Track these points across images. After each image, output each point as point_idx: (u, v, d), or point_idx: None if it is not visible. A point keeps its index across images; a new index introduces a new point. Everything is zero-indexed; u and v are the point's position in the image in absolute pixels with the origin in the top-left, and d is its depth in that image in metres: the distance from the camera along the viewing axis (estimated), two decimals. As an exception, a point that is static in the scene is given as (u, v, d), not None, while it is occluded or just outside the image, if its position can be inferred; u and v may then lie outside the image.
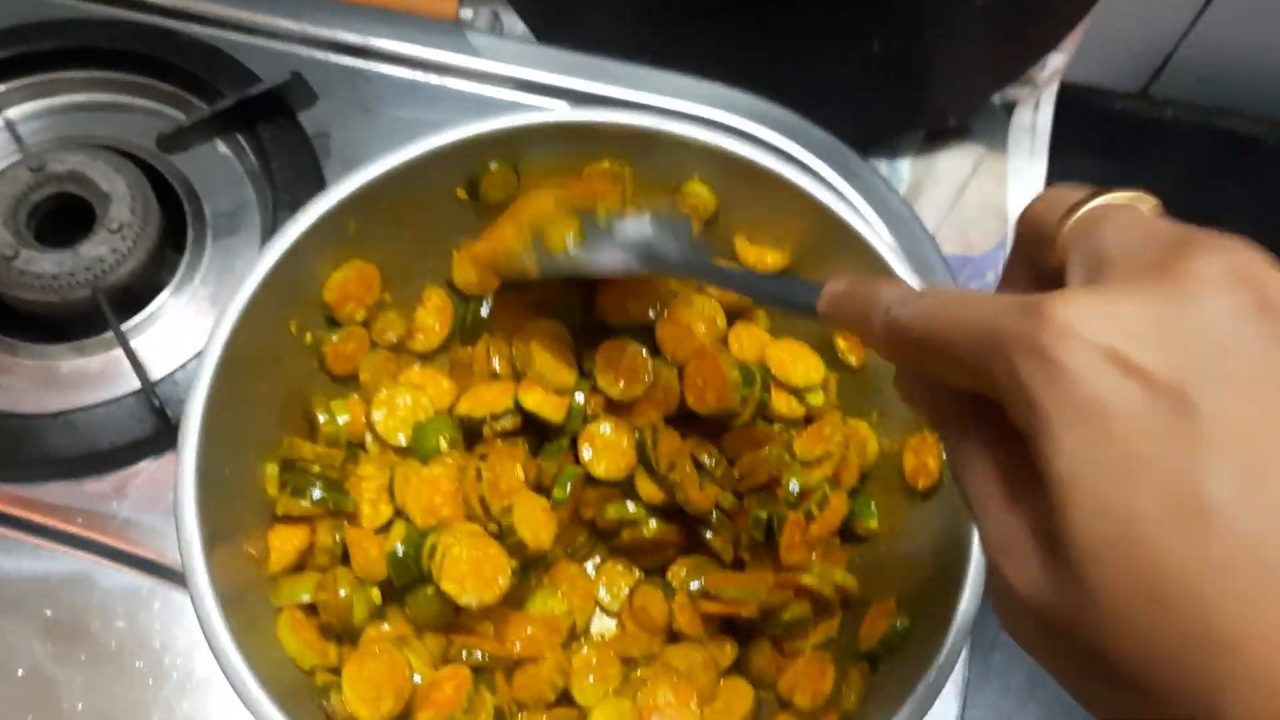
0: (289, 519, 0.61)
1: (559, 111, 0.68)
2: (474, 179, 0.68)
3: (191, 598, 0.53)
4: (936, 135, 0.98)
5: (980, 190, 0.96)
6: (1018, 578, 0.30)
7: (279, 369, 0.63)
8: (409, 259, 0.70)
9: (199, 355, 0.58)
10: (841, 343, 0.70)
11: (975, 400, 0.33)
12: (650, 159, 0.69)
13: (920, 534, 0.64)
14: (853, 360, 0.70)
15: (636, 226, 0.64)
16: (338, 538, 0.61)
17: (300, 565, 0.62)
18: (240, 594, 0.56)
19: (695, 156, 0.69)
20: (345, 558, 0.62)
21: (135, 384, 0.74)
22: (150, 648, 0.68)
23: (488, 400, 0.68)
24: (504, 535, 0.61)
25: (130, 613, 0.69)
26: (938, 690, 0.55)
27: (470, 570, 0.59)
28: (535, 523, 0.63)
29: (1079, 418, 0.27)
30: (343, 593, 0.58)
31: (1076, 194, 0.34)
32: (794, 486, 0.66)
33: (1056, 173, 0.96)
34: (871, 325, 0.36)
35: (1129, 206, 0.33)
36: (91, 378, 0.77)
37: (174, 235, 0.82)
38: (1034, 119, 0.98)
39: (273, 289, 0.61)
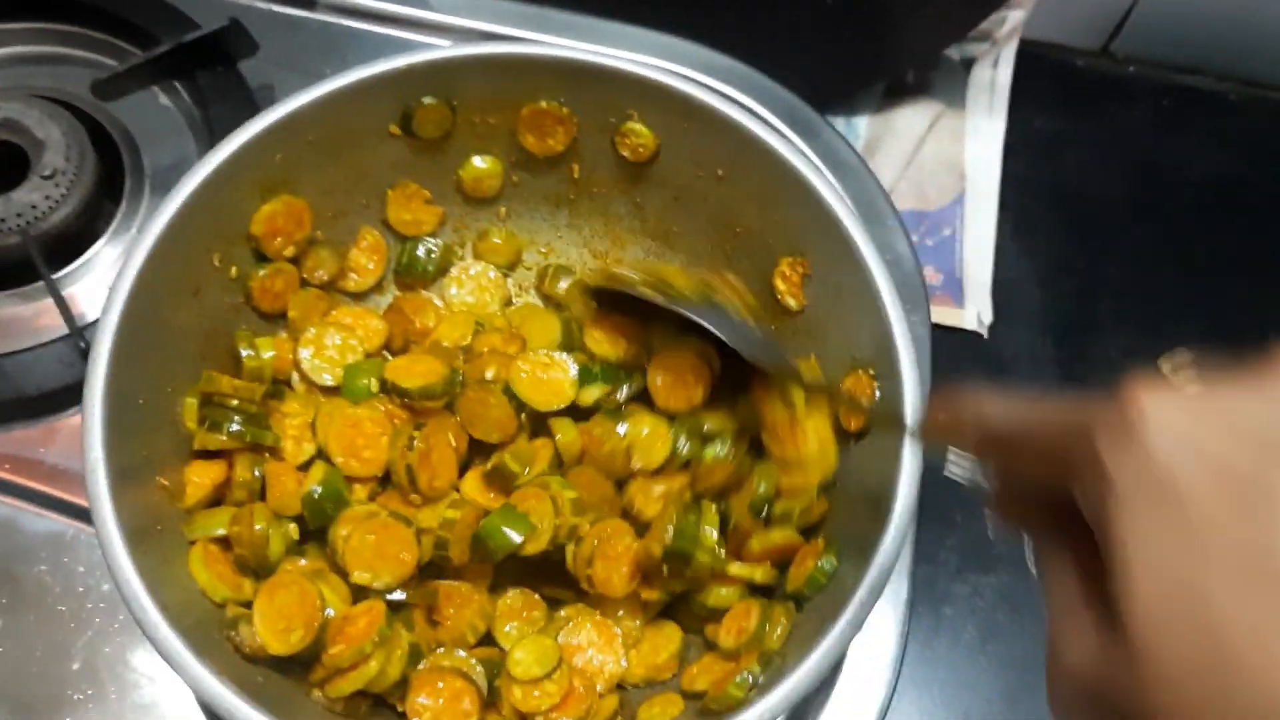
0: (206, 454, 0.60)
1: (491, 44, 0.66)
2: (408, 114, 0.66)
3: (95, 526, 0.51)
4: (895, 92, 0.97)
5: (938, 146, 0.95)
6: (1072, 650, 0.32)
7: (199, 302, 0.61)
8: (342, 196, 0.68)
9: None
10: (780, 284, 0.69)
11: (1059, 506, 0.34)
12: (588, 96, 0.68)
13: (851, 476, 0.62)
14: (792, 304, 0.69)
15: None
16: (256, 473, 0.60)
17: (217, 500, 0.60)
18: (151, 527, 0.55)
19: (632, 93, 0.67)
20: (264, 494, 0.60)
21: (64, 330, 0.72)
22: (73, 592, 0.67)
23: (419, 372, 0.65)
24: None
25: (54, 557, 0.68)
26: (856, 627, 0.53)
27: (375, 554, 0.58)
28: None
29: (1152, 491, 0.29)
30: (258, 527, 0.57)
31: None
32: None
33: (1016, 129, 0.95)
34: (965, 430, 0.39)
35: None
36: (22, 324, 0.75)
37: (112, 185, 0.80)
38: (993, 76, 0.97)
39: (192, 218, 0.59)
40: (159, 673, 0.64)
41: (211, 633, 0.54)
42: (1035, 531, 0.38)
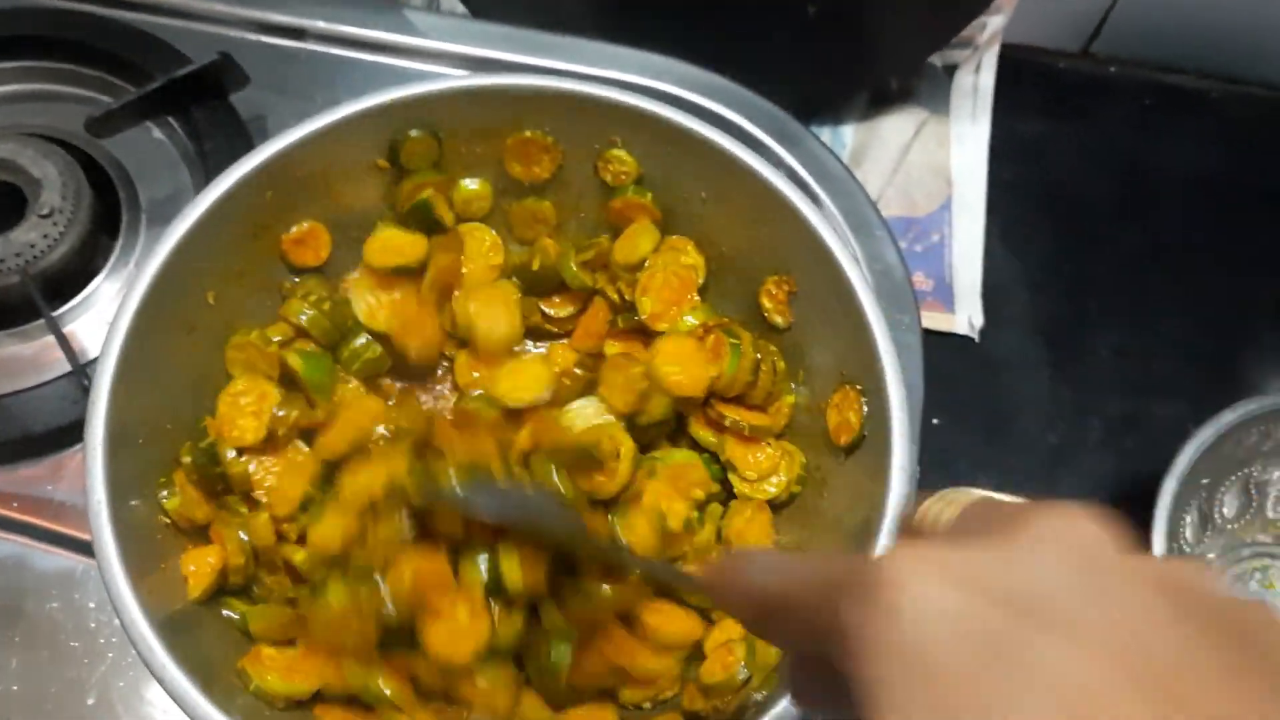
0: (193, 535, 0.61)
1: (475, 76, 0.67)
2: (394, 147, 0.68)
3: (99, 565, 0.53)
4: (879, 100, 0.98)
5: (924, 152, 0.96)
6: None
7: (193, 340, 0.63)
8: (334, 230, 0.69)
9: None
10: (766, 302, 0.70)
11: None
12: (572, 125, 0.69)
13: (842, 490, 0.63)
14: (779, 321, 0.70)
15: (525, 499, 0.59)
16: (243, 536, 0.61)
17: (220, 587, 0.61)
18: (155, 565, 0.56)
19: (615, 120, 0.68)
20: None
21: (68, 368, 0.73)
22: (85, 628, 0.68)
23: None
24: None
25: (65, 594, 0.69)
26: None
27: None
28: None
29: (899, 658, 0.27)
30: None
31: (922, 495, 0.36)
32: None
33: (1000, 133, 0.96)
34: (739, 592, 0.37)
35: (988, 497, 0.34)
36: (25, 363, 0.76)
37: (109, 221, 0.81)
38: (975, 81, 0.98)
39: (186, 258, 0.60)
40: (173, 705, 0.65)
41: (221, 672, 0.55)
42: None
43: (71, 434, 0.73)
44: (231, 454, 0.62)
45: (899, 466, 0.58)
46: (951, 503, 0.33)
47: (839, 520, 0.63)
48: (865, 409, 0.62)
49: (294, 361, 0.64)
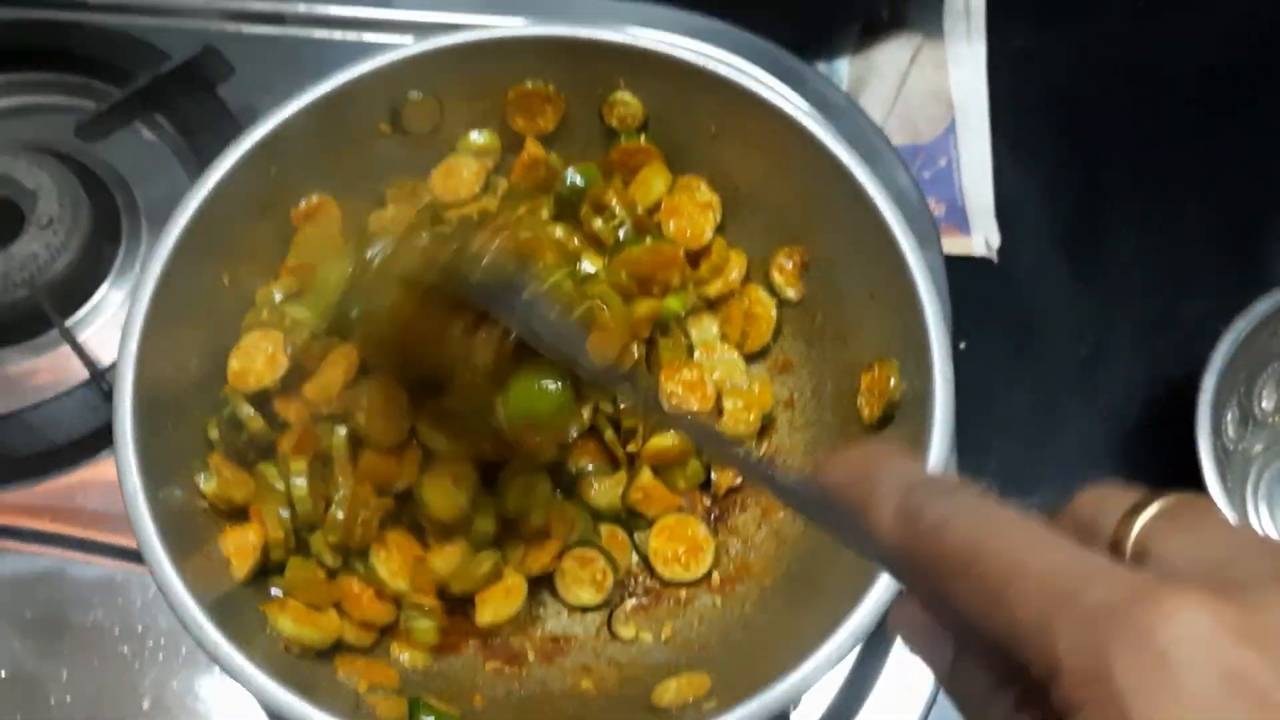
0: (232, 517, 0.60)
1: (470, 32, 0.66)
2: (396, 110, 0.66)
3: (145, 559, 0.52)
4: (872, 30, 0.96)
5: (922, 78, 0.94)
6: None
7: (214, 322, 0.62)
8: (342, 198, 0.68)
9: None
10: (777, 276, 0.69)
11: (991, 656, 0.28)
12: (572, 72, 0.68)
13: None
14: (791, 295, 0.69)
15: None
16: (283, 513, 0.60)
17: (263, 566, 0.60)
18: (199, 549, 0.55)
19: (618, 63, 0.67)
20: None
21: (84, 376, 0.72)
22: (132, 632, 0.67)
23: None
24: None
25: (108, 601, 0.68)
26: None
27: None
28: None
29: None
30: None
31: (1130, 495, 0.29)
32: None
33: (997, 49, 0.95)
34: (880, 507, 0.29)
35: (1194, 506, 0.28)
36: (41, 375, 0.75)
37: (109, 226, 0.80)
38: (967, 1, 0.97)
39: (195, 244, 0.59)
40: (229, 697, 0.65)
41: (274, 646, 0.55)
42: (962, 686, 0.30)
43: (96, 442, 0.72)
44: (250, 411, 0.61)
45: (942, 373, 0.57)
46: (1186, 527, 0.28)
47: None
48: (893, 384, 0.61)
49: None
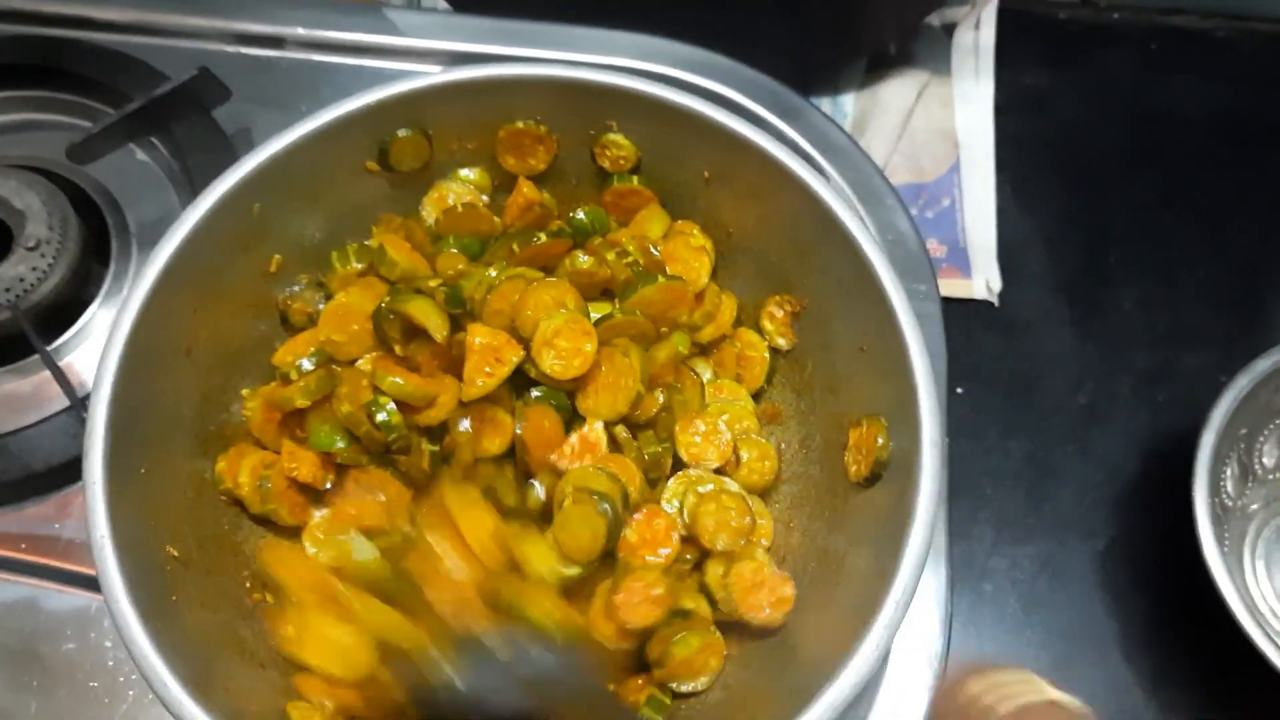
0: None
1: (461, 69, 0.65)
2: (383, 148, 0.65)
3: (108, 606, 0.51)
4: (878, 66, 0.95)
5: (928, 115, 0.93)
6: None
7: (192, 362, 0.60)
8: (326, 238, 0.67)
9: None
10: (768, 325, 0.68)
11: None
12: (564, 112, 0.67)
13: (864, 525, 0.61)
14: (782, 343, 0.68)
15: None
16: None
17: None
18: (165, 598, 0.54)
19: (609, 104, 0.66)
20: None
21: (67, 402, 0.71)
22: (103, 667, 0.66)
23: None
24: None
25: (80, 634, 0.67)
26: (894, 627, 0.52)
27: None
28: None
29: None
30: None
31: None
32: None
33: (1005, 89, 0.93)
34: None
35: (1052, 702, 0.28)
36: (23, 400, 0.74)
37: (99, 248, 0.79)
38: (976, 38, 0.96)
39: (176, 279, 0.58)
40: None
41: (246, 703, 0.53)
42: None
43: (75, 470, 0.70)
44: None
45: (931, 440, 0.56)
46: (1006, 697, 0.28)
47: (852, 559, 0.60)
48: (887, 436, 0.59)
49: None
